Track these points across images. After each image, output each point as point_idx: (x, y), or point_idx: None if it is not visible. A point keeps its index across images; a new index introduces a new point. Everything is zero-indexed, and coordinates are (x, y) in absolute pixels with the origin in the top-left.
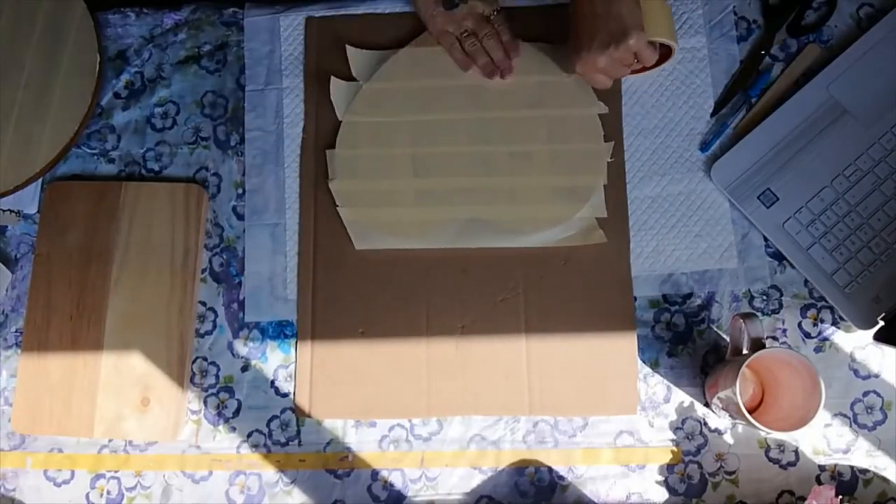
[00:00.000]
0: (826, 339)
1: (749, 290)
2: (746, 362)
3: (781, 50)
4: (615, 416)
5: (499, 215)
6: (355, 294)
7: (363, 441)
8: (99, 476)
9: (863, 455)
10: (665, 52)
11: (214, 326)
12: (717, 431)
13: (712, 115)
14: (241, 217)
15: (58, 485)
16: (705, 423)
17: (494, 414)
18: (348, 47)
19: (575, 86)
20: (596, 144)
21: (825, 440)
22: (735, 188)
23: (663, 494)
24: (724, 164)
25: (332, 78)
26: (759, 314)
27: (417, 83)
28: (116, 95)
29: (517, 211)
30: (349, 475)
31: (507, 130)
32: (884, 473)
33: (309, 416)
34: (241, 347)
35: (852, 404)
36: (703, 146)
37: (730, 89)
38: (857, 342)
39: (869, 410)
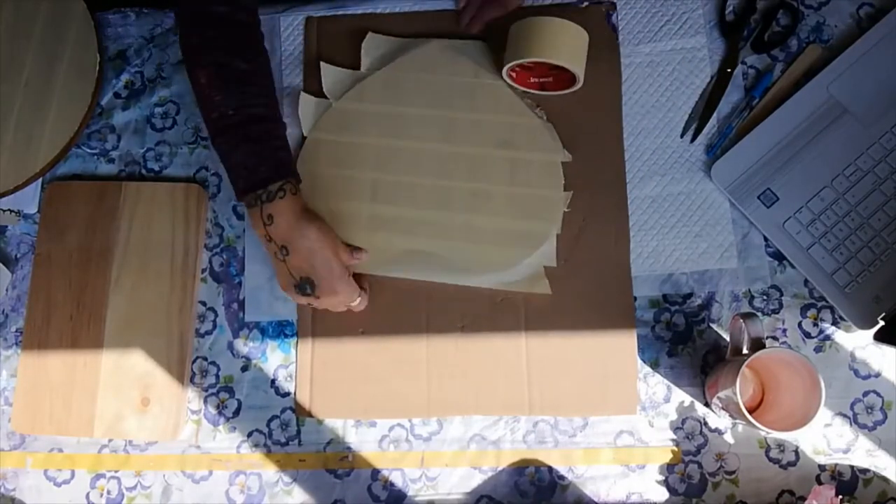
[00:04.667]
0: (826, 338)
1: (749, 290)
2: (746, 362)
3: (782, 50)
4: (615, 416)
5: (449, 251)
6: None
7: (363, 441)
8: (99, 476)
9: (863, 455)
10: (570, 77)
11: (214, 326)
12: (717, 431)
13: (692, 140)
14: (241, 217)
15: (58, 485)
16: (705, 423)
17: (494, 414)
18: (322, 64)
19: (544, 130)
20: (555, 192)
21: (825, 440)
22: (735, 188)
23: (663, 494)
24: (724, 164)
25: (301, 93)
26: (759, 314)
27: (388, 108)
28: (116, 95)
29: (468, 249)
30: (349, 475)
31: (471, 167)
32: (884, 473)
33: (309, 415)
34: (241, 347)
35: (852, 404)
36: (709, 150)
37: (703, 113)
38: (857, 342)
39: (869, 410)
